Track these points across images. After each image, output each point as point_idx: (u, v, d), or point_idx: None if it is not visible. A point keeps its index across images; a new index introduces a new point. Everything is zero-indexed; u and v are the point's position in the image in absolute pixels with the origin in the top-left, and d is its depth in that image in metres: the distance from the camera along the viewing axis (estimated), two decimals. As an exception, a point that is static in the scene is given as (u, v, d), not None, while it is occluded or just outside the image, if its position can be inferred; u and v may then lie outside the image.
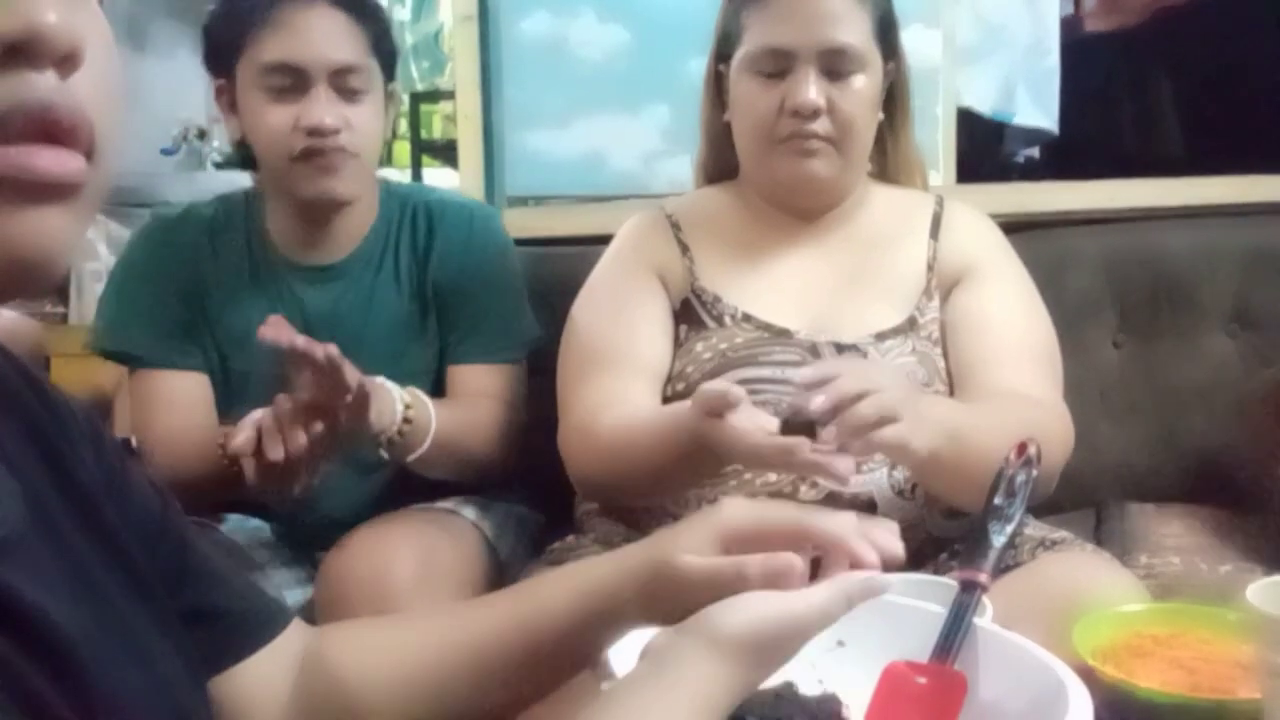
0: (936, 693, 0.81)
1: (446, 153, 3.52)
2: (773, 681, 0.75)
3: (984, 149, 2.65)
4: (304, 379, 1.28)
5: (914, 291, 1.43)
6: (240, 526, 1.59)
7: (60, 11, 0.48)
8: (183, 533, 0.74)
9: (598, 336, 1.42)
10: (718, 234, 1.48)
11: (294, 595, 1.53)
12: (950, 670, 0.82)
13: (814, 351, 1.37)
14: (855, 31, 1.37)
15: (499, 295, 1.60)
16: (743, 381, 1.14)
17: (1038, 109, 2.61)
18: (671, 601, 0.72)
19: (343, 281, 1.56)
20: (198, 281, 1.55)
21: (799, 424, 1.09)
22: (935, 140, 2.11)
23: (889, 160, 1.52)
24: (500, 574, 1.51)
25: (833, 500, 1.28)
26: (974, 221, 1.49)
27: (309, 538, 1.58)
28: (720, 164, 1.53)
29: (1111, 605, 1.04)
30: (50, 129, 0.49)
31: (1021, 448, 0.98)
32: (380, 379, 1.38)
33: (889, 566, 0.74)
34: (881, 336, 1.39)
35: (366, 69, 1.47)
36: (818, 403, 1.06)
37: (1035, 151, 2.79)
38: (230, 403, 1.51)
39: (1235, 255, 1.84)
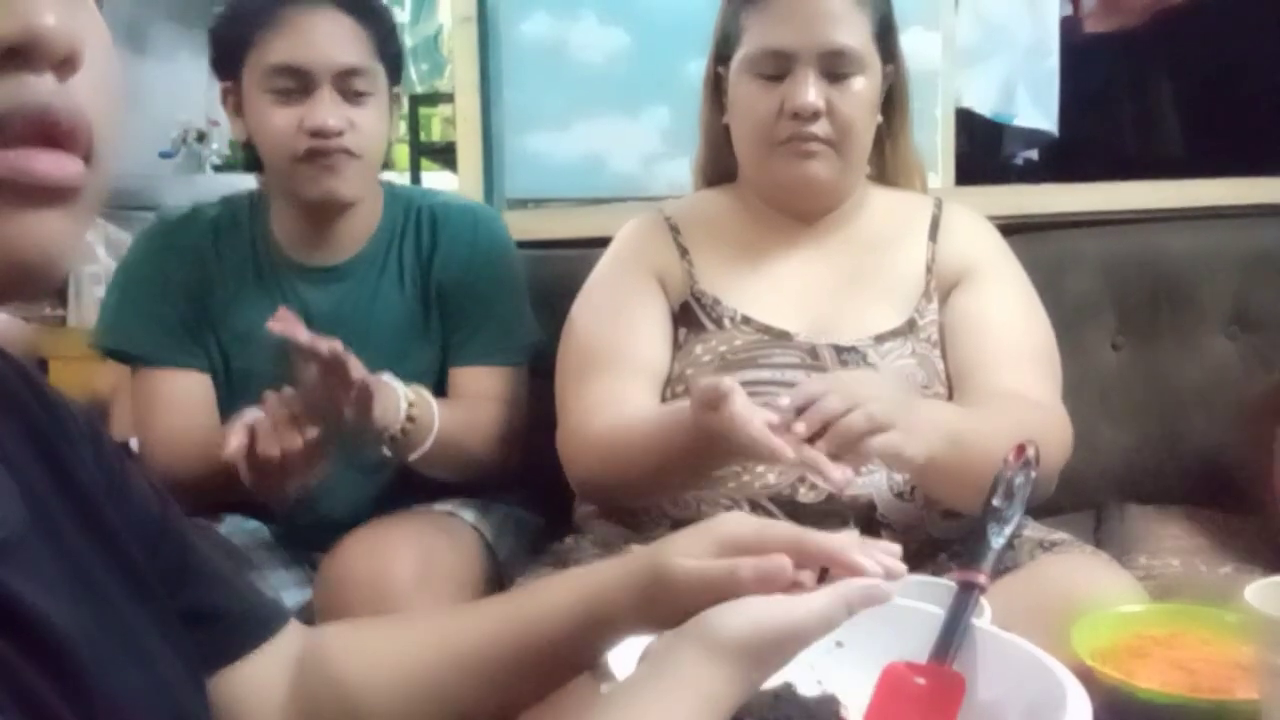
0: (935, 694, 0.81)
1: (445, 155, 3.52)
2: (772, 682, 0.75)
3: (983, 151, 2.66)
4: (309, 374, 1.29)
5: (913, 293, 1.43)
6: (239, 528, 1.59)
7: (59, 14, 0.48)
8: (182, 533, 0.74)
9: (596, 339, 1.42)
10: (717, 236, 1.48)
11: (293, 597, 1.53)
12: (949, 671, 0.82)
13: (813, 354, 1.37)
14: (855, 33, 1.37)
15: (501, 298, 1.60)
16: (743, 384, 1.14)
17: (1038, 110, 2.62)
18: (666, 604, 0.72)
19: (346, 283, 1.57)
20: (201, 282, 1.56)
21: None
22: (934, 142, 2.12)
23: (888, 162, 1.52)
24: (499, 576, 1.51)
25: (832, 502, 1.28)
26: (973, 223, 1.49)
27: (308, 539, 1.58)
28: (719, 166, 1.53)
29: (1111, 606, 1.04)
30: (49, 131, 0.49)
31: (1020, 450, 0.98)
32: (385, 376, 1.39)
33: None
34: (881, 339, 1.39)
35: (371, 71, 1.48)
36: (799, 429, 1.07)
37: (1034, 153, 2.79)
38: (232, 403, 1.51)
39: (1235, 257, 1.84)
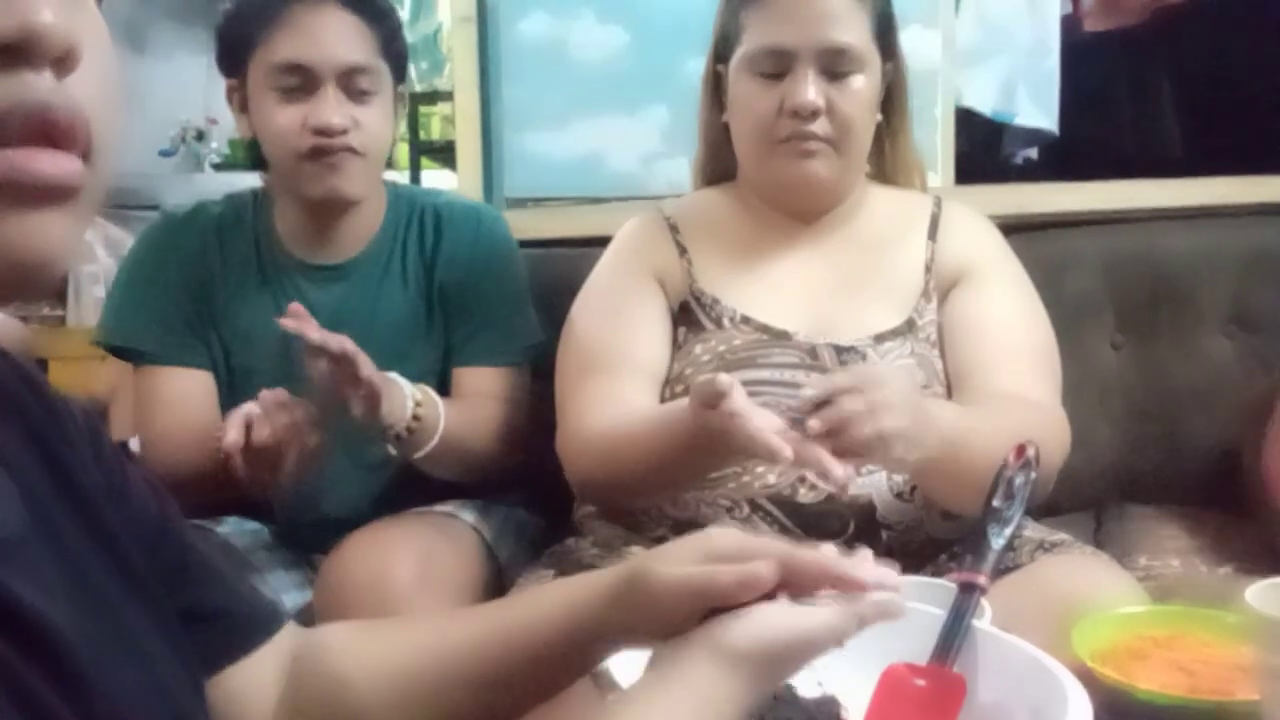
0: (935, 695, 0.81)
1: (445, 154, 3.52)
2: (772, 684, 0.75)
3: (983, 150, 2.65)
4: (318, 371, 1.30)
5: (912, 293, 1.43)
6: (239, 529, 1.59)
7: (57, 11, 0.47)
8: (181, 534, 0.74)
9: (596, 339, 1.42)
10: (716, 236, 1.48)
11: (293, 598, 1.53)
12: (949, 672, 0.82)
13: (812, 354, 1.37)
14: (854, 31, 1.36)
15: (504, 298, 1.61)
16: (742, 383, 1.14)
17: (1038, 109, 2.61)
18: (647, 609, 0.72)
19: (349, 281, 1.57)
20: (205, 279, 1.56)
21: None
22: (934, 141, 2.11)
23: (887, 161, 1.52)
24: (499, 577, 1.51)
25: (832, 502, 1.28)
26: (972, 222, 1.49)
27: (308, 540, 1.58)
28: (718, 165, 1.53)
29: (1111, 607, 1.04)
30: (47, 130, 0.48)
31: (1020, 450, 0.98)
32: (393, 374, 1.39)
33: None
34: (880, 338, 1.39)
35: (376, 70, 1.49)
36: (813, 425, 1.07)
37: (1034, 152, 2.79)
38: (234, 401, 1.50)
39: (1234, 256, 1.84)
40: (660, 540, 1.31)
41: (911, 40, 1.68)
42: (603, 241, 1.54)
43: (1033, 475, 0.97)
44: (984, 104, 2.59)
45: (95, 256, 2.78)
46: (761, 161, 1.42)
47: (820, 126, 1.36)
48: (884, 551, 1.18)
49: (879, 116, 1.44)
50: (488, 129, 2.11)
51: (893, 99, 1.46)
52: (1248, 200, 1.90)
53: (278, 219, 1.58)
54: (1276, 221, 1.87)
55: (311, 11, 1.46)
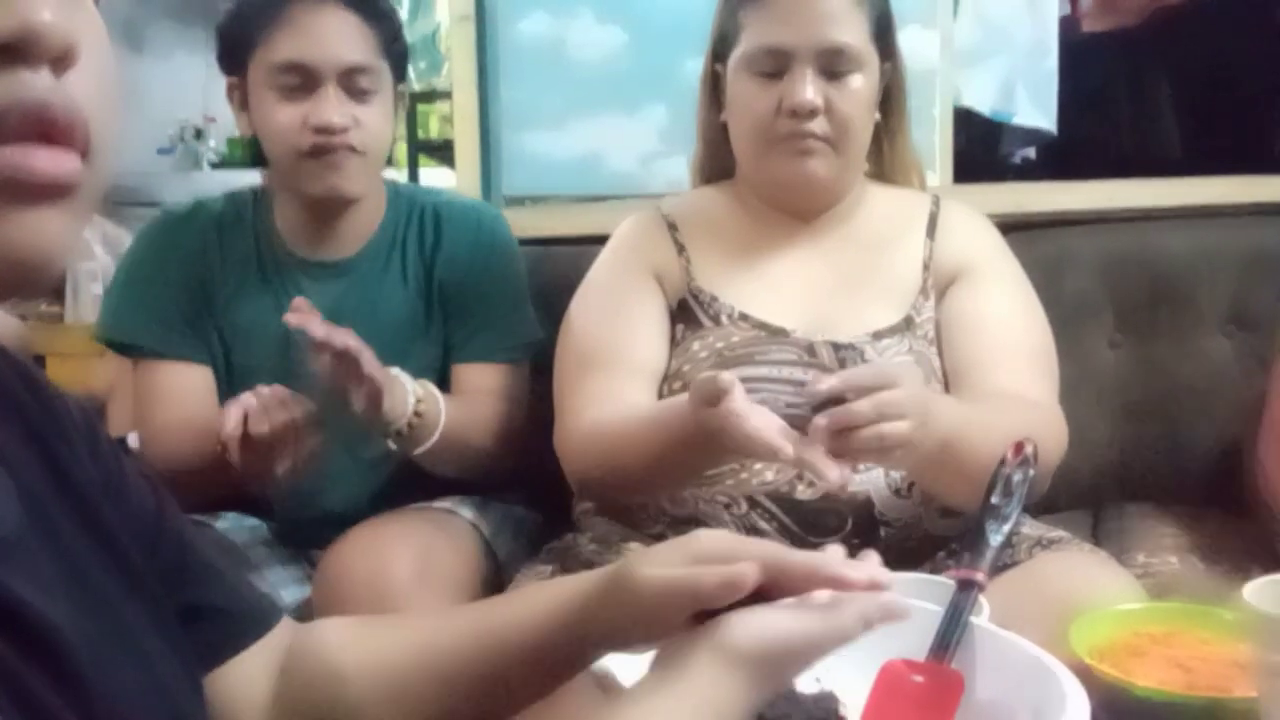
0: (933, 691, 0.81)
1: (443, 153, 3.53)
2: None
3: (981, 149, 2.65)
4: (321, 366, 1.30)
5: (911, 291, 1.43)
6: (238, 524, 1.59)
7: (55, 10, 0.47)
8: (179, 531, 0.74)
9: (594, 336, 1.42)
10: (714, 234, 1.48)
11: (291, 594, 1.53)
12: (947, 669, 0.82)
13: (811, 351, 1.37)
14: (853, 31, 1.37)
15: (504, 296, 1.61)
16: (740, 380, 1.14)
17: (1037, 109, 2.62)
18: (632, 609, 0.71)
19: (349, 279, 1.58)
20: (205, 276, 1.56)
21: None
22: (932, 141, 2.11)
23: (886, 160, 1.52)
24: (498, 574, 1.52)
25: (830, 500, 1.28)
26: (970, 221, 1.49)
27: (307, 536, 1.58)
28: (717, 164, 1.53)
29: (1109, 604, 1.04)
30: (46, 128, 0.48)
31: (1019, 447, 0.98)
32: (395, 370, 1.40)
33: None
34: (878, 336, 1.39)
35: (376, 69, 1.49)
36: (820, 423, 1.06)
37: (1032, 152, 2.79)
38: (233, 397, 1.51)
39: (1233, 256, 1.84)
40: (659, 537, 1.31)
41: (910, 40, 1.68)
42: (601, 239, 1.55)
43: (1031, 472, 0.97)
44: (982, 104, 2.60)
45: (93, 254, 2.78)
46: (760, 160, 1.42)
47: (818, 126, 1.36)
48: (882, 549, 1.18)
49: (877, 116, 1.44)
50: (486, 128, 2.11)
51: (891, 99, 1.46)
52: (1246, 200, 1.91)
53: (278, 217, 1.58)
54: (1275, 221, 1.87)
55: (312, 11, 1.46)
